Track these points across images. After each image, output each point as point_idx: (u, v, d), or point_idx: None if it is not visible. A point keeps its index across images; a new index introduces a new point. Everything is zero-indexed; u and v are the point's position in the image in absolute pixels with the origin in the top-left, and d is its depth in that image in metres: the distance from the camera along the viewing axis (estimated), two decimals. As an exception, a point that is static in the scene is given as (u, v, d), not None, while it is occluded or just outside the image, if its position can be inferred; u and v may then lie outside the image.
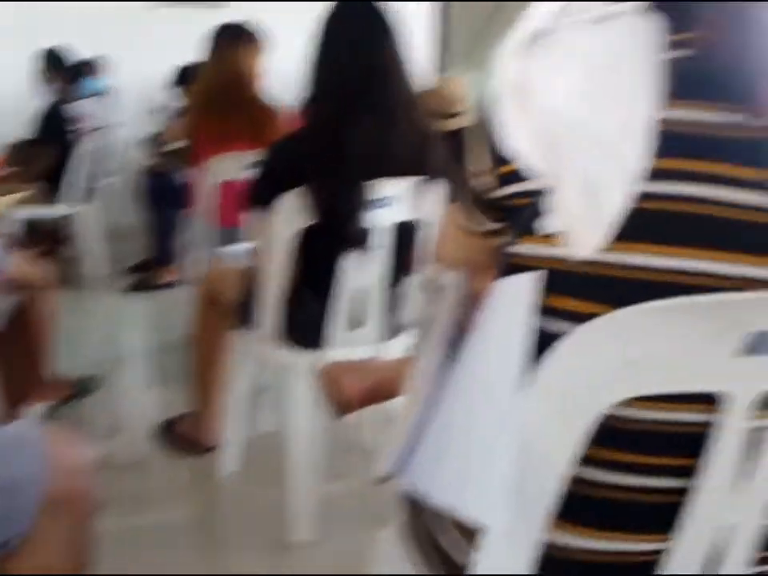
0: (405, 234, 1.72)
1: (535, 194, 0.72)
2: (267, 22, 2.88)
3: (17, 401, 2.13)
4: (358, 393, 1.28)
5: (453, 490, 0.76)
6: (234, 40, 2.59)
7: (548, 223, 0.70)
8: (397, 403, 1.70)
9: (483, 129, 0.77)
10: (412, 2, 5.24)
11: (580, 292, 0.70)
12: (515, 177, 0.73)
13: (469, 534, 0.77)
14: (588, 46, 0.70)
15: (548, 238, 0.70)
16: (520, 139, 0.72)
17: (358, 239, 1.64)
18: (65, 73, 4.24)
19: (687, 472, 0.72)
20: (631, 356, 0.68)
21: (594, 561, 0.75)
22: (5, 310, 1.91)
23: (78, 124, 4.01)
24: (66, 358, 2.53)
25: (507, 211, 0.77)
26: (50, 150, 3.81)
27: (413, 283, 1.86)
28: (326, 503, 1.84)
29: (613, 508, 0.74)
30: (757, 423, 0.70)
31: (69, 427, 2.28)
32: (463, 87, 3.06)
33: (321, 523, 1.80)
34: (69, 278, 3.85)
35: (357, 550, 1.78)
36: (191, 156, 2.67)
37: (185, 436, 2.20)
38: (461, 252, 0.93)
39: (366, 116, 1.59)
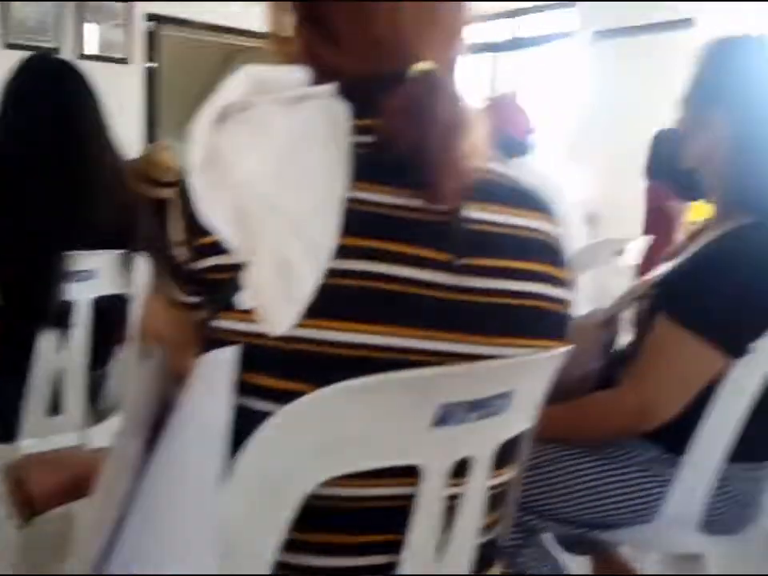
0: (108, 309, 1.60)
1: (233, 267, 0.69)
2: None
3: None
4: (46, 492, 1.13)
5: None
6: None
7: (244, 299, 0.67)
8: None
9: (182, 199, 0.73)
10: (119, 67, 5.17)
11: (278, 369, 0.68)
12: (213, 249, 0.71)
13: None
14: (281, 125, 0.71)
15: (246, 313, 0.68)
16: (215, 213, 0.69)
17: (52, 316, 1.48)
18: None
19: (394, 547, 0.71)
20: (330, 436, 0.67)
21: None
22: None
23: None
24: None
25: (206, 284, 0.74)
26: None
27: (118, 362, 1.72)
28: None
29: None
30: (453, 491, 0.73)
31: None
32: (173, 156, 3.01)
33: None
34: None
35: None
36: None
37: None
38: (162, 326, 0.87)
39: (59, 180, 1.46)
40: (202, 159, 0.71)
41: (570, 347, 0.77)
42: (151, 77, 5.54)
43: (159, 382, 0.84)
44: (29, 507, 1.12)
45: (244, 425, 0.68)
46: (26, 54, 4.32)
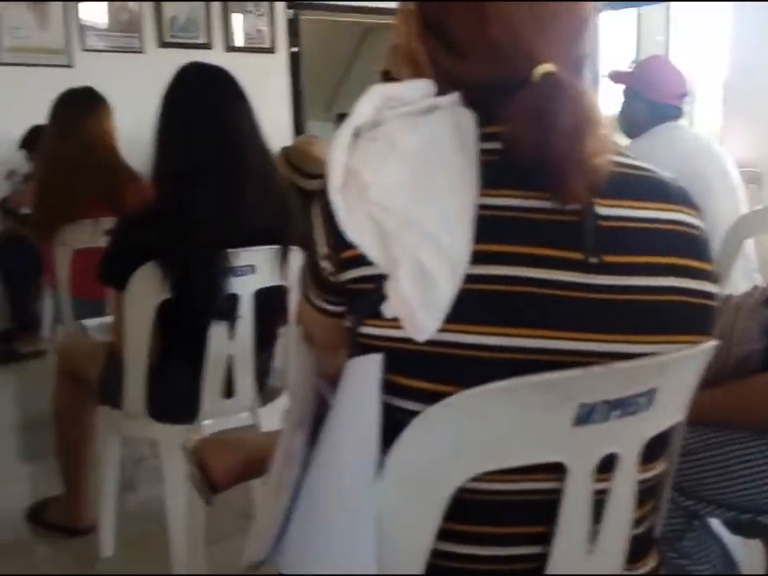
0: (270, 299, 1.71)
1: (376, 278, 0.74)
2: (116, 83, 2.82)
3: None
4: (226, 473, 1.25)
5: (321, 569, 0.76)
6: (79, 104, 2.51)
7: (388, 308, 0.72)
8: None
9: (325, 216, 0.79)
10: (265, 57, 5.37)
11: (423, 371, 0.73)
12: (356, 262, 0.75)
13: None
14: (409, 139, 0.74)
15: (391, 320, 0.73)
16: (356, 228, 0.74)
17: (219, 308, 1.61)
18: None
19: (542, 539, 0.75)
20: (477, 434, 0.71)
21: None
22: None
23: None
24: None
25: (351, 294, 0.79)
26: None
27: (281, 347, 1.85)
28: (213, 569, 1.77)
29: None
30: (601, 486, 0.75)
31: None
32: (324, 147, 3.12)
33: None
34: None
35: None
36: (42, 223, 2.55)
37: (56, 519, 2.07)
38: (314, 330, 0.94)
39: (218, 186, 1.58)
40: (340, 179, 0.76)
41: (714, 343, 0.76)
42: (294, 63, 5.71)
43: (314, 382, 0.91)
44: (211, 487, 1.25)
45: (393, 423, 0.73)
46: (180, 51, 4.57)
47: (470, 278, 0.70)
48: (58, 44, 4.87)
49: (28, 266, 3.72)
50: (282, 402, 1.89)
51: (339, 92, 9.54)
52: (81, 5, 4.90)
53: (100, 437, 1.95)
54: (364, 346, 0.76)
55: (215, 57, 4.63)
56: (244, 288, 1.65)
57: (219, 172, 1.58)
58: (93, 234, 2.44)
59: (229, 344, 1.68)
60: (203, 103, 1.62)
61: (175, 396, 1.71)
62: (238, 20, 5.38)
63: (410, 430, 0.71)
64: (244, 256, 1.61)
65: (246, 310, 1.67)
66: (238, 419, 1.76)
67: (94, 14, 4.97)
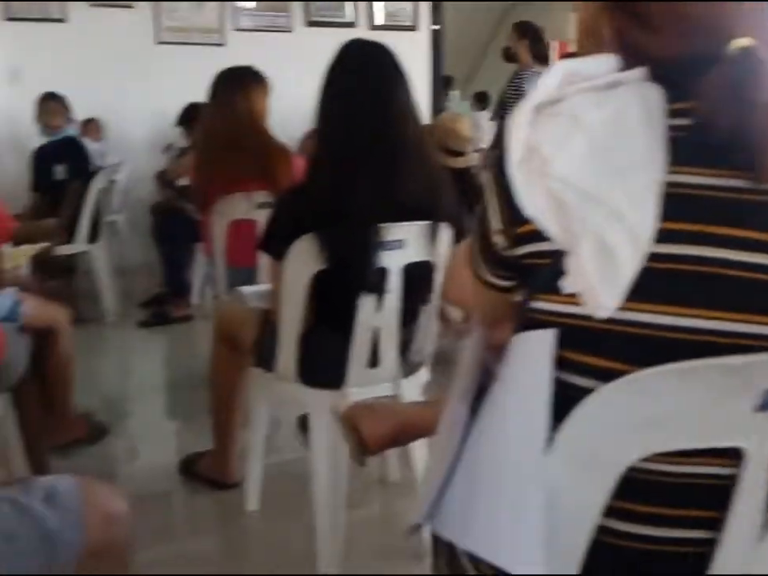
0: (417, 274, 1.75)
1: (552, 254, 0.74)
2: (266, 61, 2.94)
3: (39, 441, 2.18)
4: (377, 438, 1.30)
5: (483, 539, 0.78)
6: (239, 82, 2.63)
7: (566, 284, 0.73)
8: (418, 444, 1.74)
9: (501, 190, 0.80)
10: (405, 36, 5.40)
11: (598, 349, 0.73)
12: (533, 237, 0.76)
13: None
14: (594, 115, 0.73)
15: (569, 296, 0.73)
16: (534, 204, 0.75)
17: (370, 281, 1.66)
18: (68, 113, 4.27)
19: (712, 524, 0.74)
20: (653, 414, 0.71)
21: None
22: (25, 354, 1.94)
23: (85, 163, 4.06)
24: (82, 394, 2.56)
25: (524, 269, 0.80)
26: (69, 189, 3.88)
27: (425, 321, 1.88)
28: (349, 536, 1.85)
29: (639, 558, 0.76)
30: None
31: (92, 467, 2.32)
32: (469, 125, 3.12)
33: (346, 557, 1.81)
34: (83, 314, 3.89)
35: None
36: (200, 195, 2.71)
37: (206, 473, 2.22)
38: (481, 304, 0.96)
39: (377, 160, 1.62)
40: (520, 154, 0.77)
41: None
42: (436, 40, 5.72)
43: (480, 354, 0.93)
44: (363, 450, 1.31)
45: (562, 398, 0.74)
46: (325, 29, 4.68)
47: (653, 257, 0.69)
48: (212, 24, 5.12)
49: (183, 234, 3.96)
50: (422, 375, 1.94)
51: (478, 70, 9.48)
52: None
53: (251, 397, 2.06)
54: (535, 321, 0.78)
55: (359, 35, 4.70)
56: (393, 262, 1.69)
57: (379, 147, 1.62)
58: (248, 206, 2.58)
59: (376, 316, 1.73)
60: (366, 79, 1.66)
61: (324, 363, 1.78)
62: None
63: (583, 406, 0.72)
64: (395, 230, 1.65)
65: (394, 284, 1.71)
66: (381, 389, 1.82)
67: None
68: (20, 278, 2.32)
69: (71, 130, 4.18)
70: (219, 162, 2.58)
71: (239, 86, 2.61)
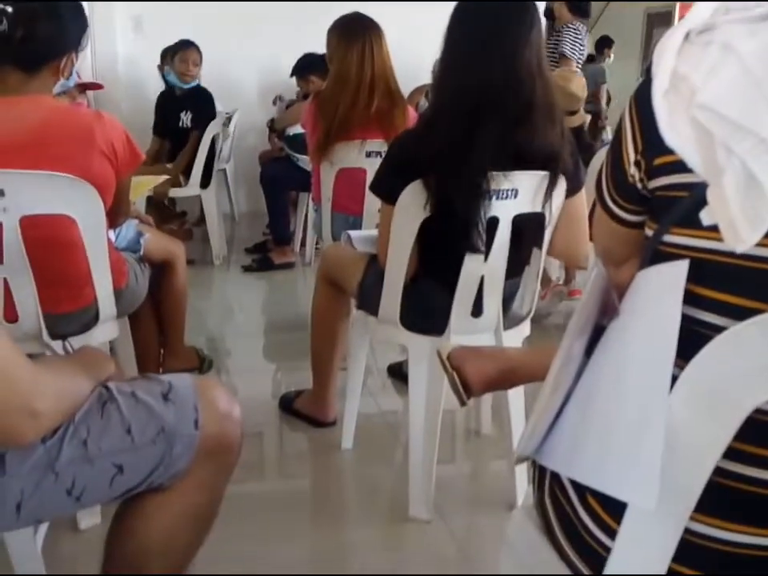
0: (527, 226, 1.73)
1: (693, 186, 0.73)
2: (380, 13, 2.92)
3: (151, 366, 2.32)
4: (480, 379, 1.31)
5: (595, 470, 0.78)
6: (362, 30, 2.64)
7: (705, 216, 0.71)
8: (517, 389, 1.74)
9: (641, 119, 0.78)
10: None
11: (735, 285, 0.71)
12: (674, 168, 0.74)
13: (610, 513, 0.80)
14: (748, 44, 0.71)
15: (706, 230, 0.71)
16: (678, 133, 0.73)
17: (478, 231, 1.66)
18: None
19: None
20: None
21: (730, 552, 0.76)
22: (145, 283, 2.05)
23: (210, 113, 4.19)
24: (187, 331, 2.68)
25: (658, 202, 0.79)
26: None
27: (531, 275, 1.87)
28: (441, 484, 1.88)
29: (756, 503, 0.74)
30: None
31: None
32: (582, 84, 3.03)
33: (436, 503, 1.85)
34: (192, 256, 4.06)
35: (473, 530, 1.84)
36: (314, 142, 2.75)
37: (304, 411, 2.30)
38: (607, 240, 0.95)
39: (500, 111, 1.59)
40: (667, 83, 0.74)
41: None
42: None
43: (602, 290, 0.92)
44: (467, 390, 1.32)
45: (691, 335, 0.73)
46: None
47: None
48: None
49: (289, 183, 4.05)
50: (524, 329, 1.93)
51: (592, 31, 9.17)
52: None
53: (352, 339, 2.11)
54: (665, 255, 0.76)
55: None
56: (504, 212, 1.68)
57: (500, 94, 1.59)
58: (358, 154, 2.60)
59: (482, 266, 1.73)
60: (494, 23, 1.63)
61: (427, 309, 1.80)
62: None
63: (714, 345, 0.70)
64: (509, 179, 1.64)
65: (503, 235, 1.70)
66: (483, 338, 1.82)
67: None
68: (140, 213, 2.44)
69: (198, 80, 4.31)
70: (335, 110, 2.61)
71: (366, 34, 2.62)
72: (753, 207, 0.67)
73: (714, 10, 0.74)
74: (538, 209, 1.72)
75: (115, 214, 1.83)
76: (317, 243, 3.95)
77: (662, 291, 0.75)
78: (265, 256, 4.13)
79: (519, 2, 1.66)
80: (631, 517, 0.78)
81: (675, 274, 0.73)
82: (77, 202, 1.64)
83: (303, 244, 4.28)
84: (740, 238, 0.68)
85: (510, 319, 1.87)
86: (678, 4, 6.77)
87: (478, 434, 2.27)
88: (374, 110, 2.58)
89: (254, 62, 5.15)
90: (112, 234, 2.03)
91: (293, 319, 3.25)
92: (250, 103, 5.17)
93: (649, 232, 0.83)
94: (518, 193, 1.67)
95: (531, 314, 1.92)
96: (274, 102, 4.91)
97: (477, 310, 1.80)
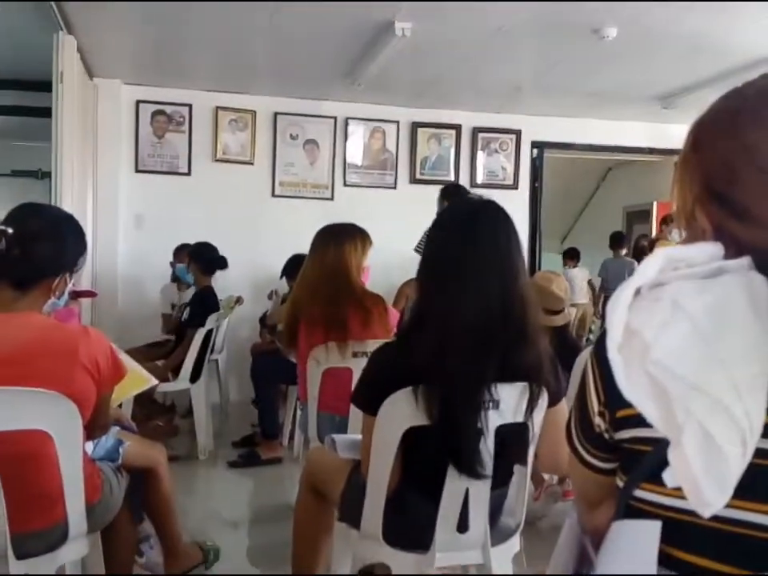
0: (510, 437, 1.71)
1: (654, 441, 0.72)
2: (370, 214, 3.07)
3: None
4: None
5: None
6: (334, 237, 2.76)
7: (669, 478, 0.69)
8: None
9: (600, 372, 0.79)
10: (506, 194, 5.58)
11: (706, 549, 0.68)
12: (633, 421, 0.74)
13: None
14: (696, 301, 0.72)
15: (671, 488, 0.70)
16: (634, 387, 0.73)
17: (469, 441, 1.63)
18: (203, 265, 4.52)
19: None
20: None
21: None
22: (120, 493, 1.98)
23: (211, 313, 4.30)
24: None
25: (625, 453, 0.78)
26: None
27: (518, 485, 1.82)
28: None
29: None
30: None
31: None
32: (564, 284, 3.14)
33: None
34: (178, 451, 3.98)
35: None
36: (295, 342, 2.80)
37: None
38: (579, 483, 0.93)
39: (483, 321, 1.61)
40: (620, 338, 0.76)
41: None
42: (534, 197, 5.89)
43: (576, 541, 0.89)
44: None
45: None
46: (427, 186, 4.86)
47: (759, 453, 0.66)
48: (323, 180, 5.46)
49: (279, 376, 4.06)
50: (513, 544, 1.84)
51: (574, 227, 9.63)
52: (347, 147, 5.45)
53: (335, 555, 2.01)
54: (636, 510, 0.74)
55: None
56: (488, 423, 1.66)
57: (486, 306, 1.61)
58: (343, 355, 2.63)
59: (467, 478, 1.69)
60: (473, 235, 1.66)
61: (411, 523, 1.73)
62: (481, 161, 5.69)
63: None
64: (494, 390, 1.63)
65: (488, 445, 1.67)
66: (469, 556, 1.74)
67: (356, 155, 5.53)
68: (122, 418, 2.41)
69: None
70: (312, 311, 2.68)
71: (334, 240, 2.74)
72: (715, 469, 0.66)
73: (663, 266, 0.77)
74: (520, 419, 1.71)
75: (93, 428, 1.81)
76: (305, 441, 3.88)
77: (635, 549, 0.73)
78: (252, 451, 4.05)
79: (496, 206, 1.72)
80: None
81: (648, 533, 0.71)
82: (55, 418, 1.63)
83: (292, 437, 4.21)
84: (705, 502, 0.66)
85: (498, 532, 1.80)
86: (655, 202, 7.19)
87: None
88: (352, 311, 2.64)
89: (253, 257, 5.34)
90: (90, 445, 2.00)
91: (279, 516, 3.12)
92: (246, 297, 5.31)
93: (619, 483, 0.81)
94: (499, 404, 1.67)
95: (521, 528, 1.84)
96: (270, 297, 5.04)
97: (463, 524, 1.73)
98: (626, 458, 0.77)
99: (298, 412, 3.53)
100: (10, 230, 1.62)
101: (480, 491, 1.71)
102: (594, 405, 0.80)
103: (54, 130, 3.87)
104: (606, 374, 0.77)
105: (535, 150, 5.80)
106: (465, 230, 1.67)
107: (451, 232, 1.70)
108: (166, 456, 2.34)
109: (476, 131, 5.62)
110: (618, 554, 0.75)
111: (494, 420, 1.66)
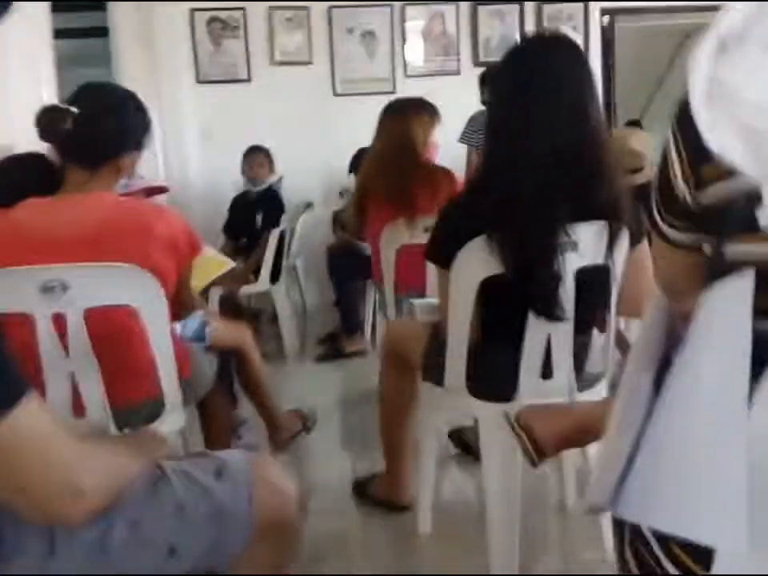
0: (593, 280, 1.66)
1: (745, 192, 0.67)
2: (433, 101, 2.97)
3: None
4: (552, 438, 1.23)
5: (675, 515, 0.70)
6: (403, 110, 2.69)
7: (764, 217, 0.65)
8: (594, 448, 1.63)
9: (682, 133, 0.74)
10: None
11: None
12: (721, 177, 0.69)
13: (696, 560, 0.70)
14: None
15: (762, 234, 0.65)
16: (723, 137, 0.68)
17: (546, 285, 1.59)
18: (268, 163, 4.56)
19: None
20: None
21: None
22: (211, 372, 2.05)
23: (280, 213, 4.34)
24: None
25: (711, 215, 0.73)
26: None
27: (602, 330, 1.78)
28: (526, 564, 1.75)
29: None
30: None
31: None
32: (644, 140, 2.99)
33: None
34: (265, 352, 4.09)
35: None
36: (363, 219, 2.78)
37: (378, 495, 2.21)
38: (665, 268, 0.89)
39: (556, 162, 1.55)
40: (704, 89, 0.70)
41: None
42: (606, 71, 5.58)
43: (665, 320, 0.85)
44: (538, 452, 1.24)
45: (762, 349, 0.65)
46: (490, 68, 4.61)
47: None
48: (384, 73, 5.32)
49: (357, 272, 4.08)
50: (600, 390, 1.82)
51: (651, 103, 9.14)
52: (406, 35, 5.26)
53: (421, 412, 2.04)
54: (731, 266, 0.70)
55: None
56: (568, 265, 1.61)
57: (557, 147, 1.54)
58: (413, 231, 2.61)
59: (548, 324, 1.66)
60: (543, 70, 1.58)
61: (494, 373, 1.73)
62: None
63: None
64: (571, 231, 1.58)
65: (568, 289, 1.63)
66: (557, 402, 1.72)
67: (416, 43, 5.34)
68: (206, 306, 2.48)
69: (272, 181, 4.48)
70: (380, 189, 2.64)
71: (400, 113, 2.68)
72: None
73: (747, 13, 0.70)
74: (600, 261, 1.66)
75: (179, 306, 1.86)
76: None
77: (727, 306, 0.68)
78: (336, 345, 4.13)
79: (570, 42, 1.63)
80: (721, 563, 0.68)
81: (740, 286, 0.66)
82: (138, 293, 1.67)
83: (374, 330, 4.26)
84: None
85: (583, 380, 1.77)
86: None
87: (563, 508, 2.13)
88: (421, 185, 2.59)
89: (321, 158, 5.31)
90: (177, 326, 2.06)
91: (367, 401, 3.19)
92: (318, 199, 5.31)
93: (707, 250, 0.77)
94: (577, 245, 1.61)
95: (608, 373, 1.81)
96: (341, 195, 5.03)
97: (547, 371, 1.71)
98: (713, 219, 0.72)
99: (377, 298, 3.57)
100: (75, 110, 1.64)
101: (562, 336, 1.68)
102: (677, 169, 0.75)
103: (113, 50, 3.87)
104: (689, 132, 0.71)
105: (605, 19, 5.46)
106: (531, 62, 1.59)
107: (516, 66, 1.62)
108: (251, 336, 2.40)
109: (540, 4, 5.32)
110: (710, 317, 0.71)
111: (572, 262, 1.62)
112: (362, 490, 2.29)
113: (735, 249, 0.69)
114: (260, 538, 1.01)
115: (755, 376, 0.65)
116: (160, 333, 1.74)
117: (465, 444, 2.51)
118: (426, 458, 2.04)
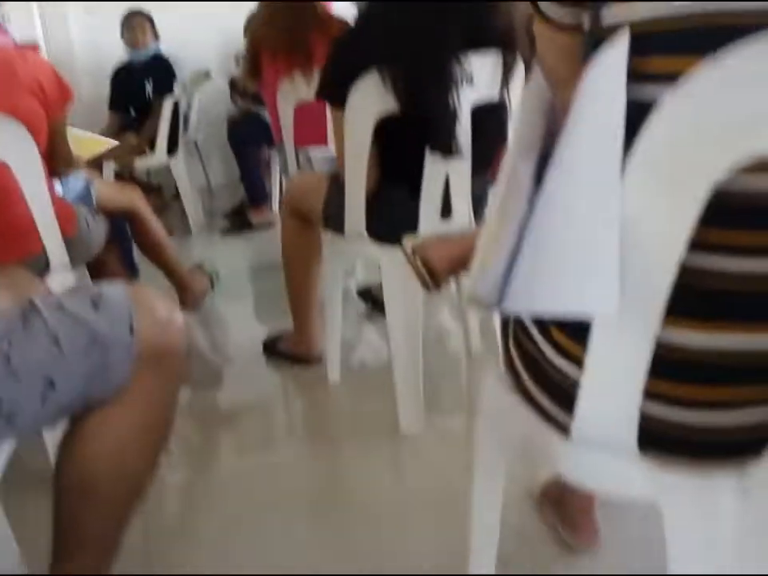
0: (489, 116, 1.62)
1: None
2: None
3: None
4: (444, 261, 1.22)
5: (552, 294, 0.69)
6: None
7: None
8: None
9: None
10: None
11: (672, 48, 0.62)
12: None
13: (576, 341, 0.71)
14: None
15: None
16: None
17: (442, 119, 1.55)
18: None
19: None
20: (747, 108, 0.58)
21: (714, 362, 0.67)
22: (100, 233, 1.95)
23: (171, 79, 4.09)
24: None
25: None
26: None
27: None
28: (432, 403, 1.83)
29: (724, 297, 0.66)
30: None
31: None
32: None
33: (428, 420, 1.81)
34: (169, 227, 3.95)
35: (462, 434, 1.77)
36: (258, 73, 2.65)
37: (288, 351, 2.21)
38: (548, 54, 0.85)
39: None
40: None
41: None
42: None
43: (543, 108, 0.83)
44: (432, 276, 1.23)
45: (639, 118, 0.63)
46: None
47: None
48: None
49: (258, 138, 3.93)
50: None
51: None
52: None
53: (325, 262, 2.01)
54: (605, 37, 0.67)
55: None
56: (462, 99, 1.57)
57: None
58: (311, 85, 2.49)
59: (446, 163, 1.63)
60: None
61: (394, 216, 1.70)
62: None
63: (661, 110, 0.60)
64: (465, 62, 1.52)
65: (464, 124, 1.59)
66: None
67: None
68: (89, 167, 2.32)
69: (156, 47, 4.18)
70: (272, 42, 2.50)
71: None
72: None
73: None
74: (495, 95, 1.62)
75: (54, 159, 1.73)
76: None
77: (604, 72, 0.65)
78: (242, 218, 4.03)
79: None
80: (598, 336, 0.69)
81: (616, 50, 0.63)
82: (7, 144, 1.54)
83: (281, 203, 4.16)
84: None
85: (483, 221, 1.77)
86: None
87: (469, 354, 2.19)
88: (315, 37, 2.46)
89: (213, 28, 4.98)
90: (58, 187, 1.93)
91: (276, 273, 3.15)
92: (214, 70, 5.02)
93: (586, 22, 0.73)
94: (472, 77, 1.56)
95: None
96: (237, 62, 4.76)
97: (446, 211, 1.70)
98: None
99: (277, 158, 3.45)
100: None
101: (460, 174, 1.66)
102: None
103: None
104: None
105: None
106: None
107: None
108: (142, 196, 2.29)
109: None
110: (588, 92, 0.67)
111: (468, 95, 1.57)
112: (272, 347, 2.28)
113: (610, 13, 0.66)
114: (145, 366, 0.97)
115: (629, 146, 0.63)
116: (36, 188, 1.62)
117: (374, 300, 2.52)
118: (332, 310, 2.03)
